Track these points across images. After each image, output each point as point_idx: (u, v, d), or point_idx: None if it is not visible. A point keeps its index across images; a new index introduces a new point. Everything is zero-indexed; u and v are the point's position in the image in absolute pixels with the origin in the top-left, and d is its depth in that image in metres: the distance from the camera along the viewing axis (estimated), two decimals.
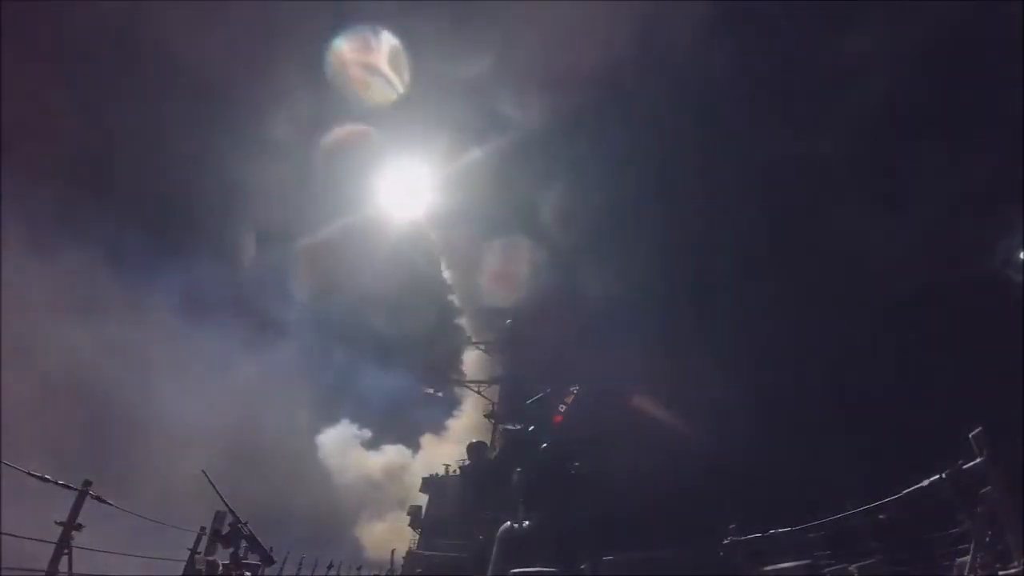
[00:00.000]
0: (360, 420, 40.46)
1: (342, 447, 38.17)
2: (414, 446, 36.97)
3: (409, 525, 22.11)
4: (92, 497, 5.86)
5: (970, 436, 4.73)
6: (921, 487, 5.39)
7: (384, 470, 35.82)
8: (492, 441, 22.44)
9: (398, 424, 40.59)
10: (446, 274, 36.78)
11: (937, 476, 5.19)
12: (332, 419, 40.28)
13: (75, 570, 5.70)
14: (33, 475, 5.47)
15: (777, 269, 33.71)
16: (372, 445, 38.73)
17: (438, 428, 35.45)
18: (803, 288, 31.91)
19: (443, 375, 30.36)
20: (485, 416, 24.82)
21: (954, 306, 25.61)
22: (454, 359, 32.68)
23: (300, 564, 14.50)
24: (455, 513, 19.95)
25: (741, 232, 35.85)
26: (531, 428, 19.52)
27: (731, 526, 9.52)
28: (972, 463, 4.76)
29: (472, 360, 28.67)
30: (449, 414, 34.59)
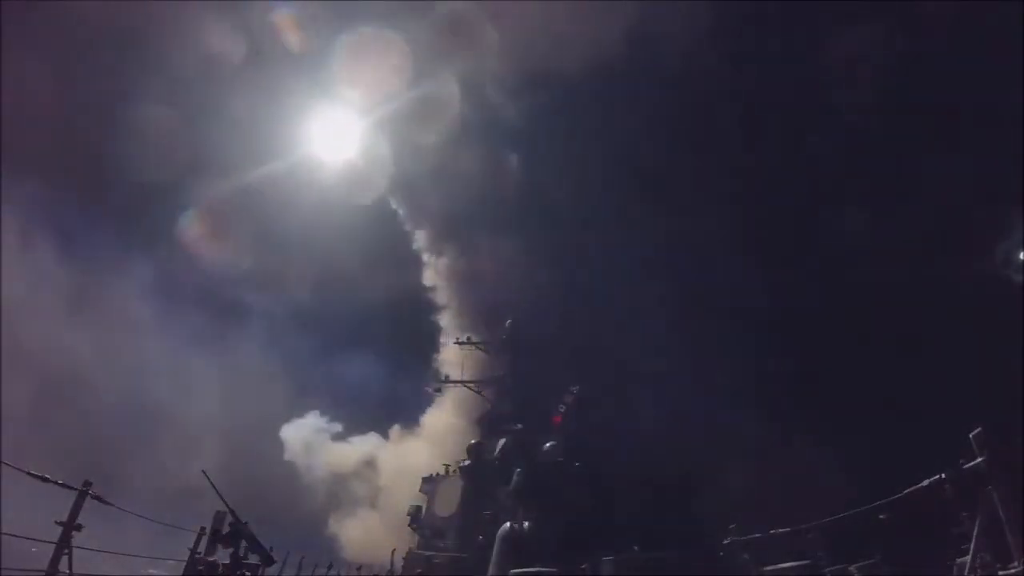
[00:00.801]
0: (329, 411, 38.65)
1: (311, 442, 36.83)
2: (385, 435, 35.90)
3: (409, 525, 22.11)
4: (92, 497, 5.86)
5: (970, 436, 4.73)
6: (921, 487, 5.39)
7: (355, 465, 34.65)
8: (479, 439, 22.34)
9: (368, 413, 38.91)
10: (427, 278, 35.99)
11: (937, 476, 5.20)
12: (300, 411, 38.58)
13: (75, 570, 5.70)
14: (33, 475, 5.48)
15: (775, 267, 33.72)
16: (341, 437, 37.35)
17: (410, 422, 34.55)
18: (802, 287, 31.91)
19: (432, 370, 30.13)
20: (482, 419, 24.71)
21: (954, 306, 25.60)
22: (432, 348, 32.35)
23: (300, 564, 14.52)
24: (455, 513, 19.94)
25: (738, 228, 35.84)
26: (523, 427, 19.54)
27: (731, 526, 9.52)
28: (972, 463, 4.75)
29: (458, 357, 28.34)
30: (422, 409, 33.85)
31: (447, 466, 23.35)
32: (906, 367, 25.84)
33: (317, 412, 38.33)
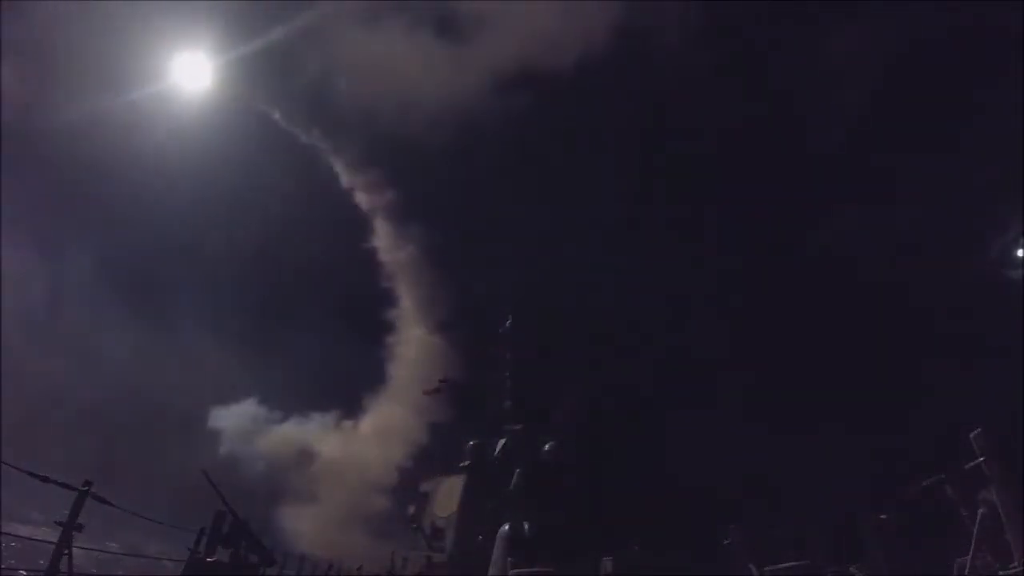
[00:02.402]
0: (264, 394, 34.85)
1: (250, 432, 33.66)
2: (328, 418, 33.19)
3: (410, 524, 22.08)
4: (93, 497, 5.86)
5: (970, 436, 4.74)
6: (922, 487, 5.40)
7: (298, 455, 31.84)
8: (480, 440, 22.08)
9: (307, 395, 35.22)
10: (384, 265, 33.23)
11: (937, 476, 5.20)
12: (232, 396, 35.03)
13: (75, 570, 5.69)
14: (33, 475, 5.48)
15: (772, 267, 33.68)
16: (279, 421, 34.31)
17: (353, 407, 32.46)
18: (800, 287, 31.90)
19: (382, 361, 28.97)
20: (488, 418, 24.49)
21: (954, 305, 25.61)
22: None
23: (300, 565, 14.53)
24: (455, 513, 19.93)
25: (731, 230, 35.80)
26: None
27: (731, 526, 9.52)
28: (972, 463, 4.76)
29: (415, 354, 27.34)
30: (365, 394, 31.82)
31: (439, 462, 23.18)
32: (907, 367, 25.85)
33: (254, 400, 34.61)
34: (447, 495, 21.40)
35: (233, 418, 33.00)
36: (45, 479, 5.50)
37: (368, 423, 31.04)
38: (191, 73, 34.01)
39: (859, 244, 31.92)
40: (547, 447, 17.60)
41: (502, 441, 20.72)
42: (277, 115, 33.62)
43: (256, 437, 32.44)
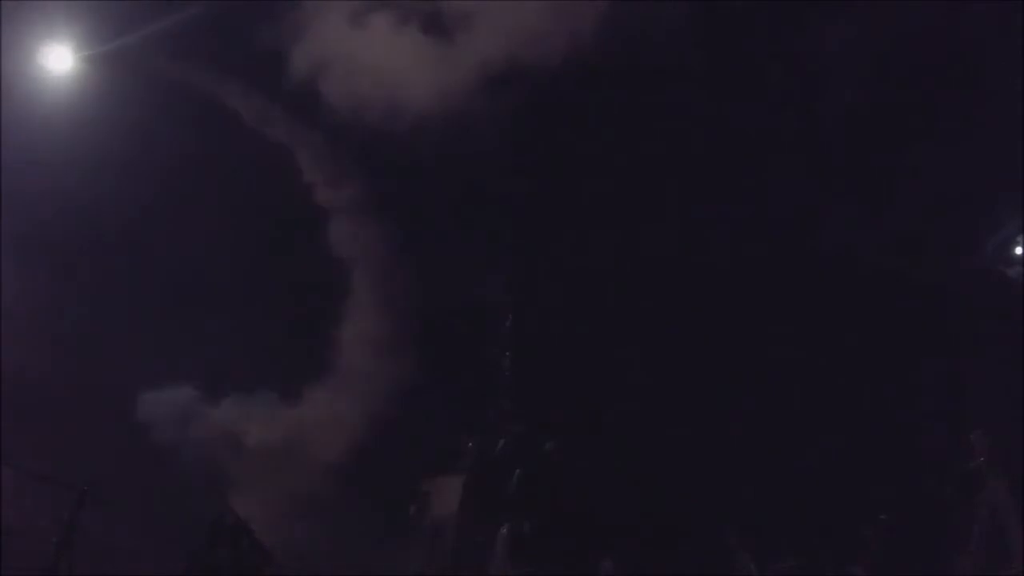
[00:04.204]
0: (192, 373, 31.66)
1: (187, 421, 31.15)
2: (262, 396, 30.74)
3: (410, 523, 22.08)
4: (93, 498, 5.85)
5: (970, 436, 4.76)
6: (922, 487, 5.41)
7: (238, 440, 29.82)
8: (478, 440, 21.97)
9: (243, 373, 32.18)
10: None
11: (937, 476, 5.22)
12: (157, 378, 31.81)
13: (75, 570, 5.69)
14: (34, 475, 5.48)
15: (766, 267, 33.37)
16: (215, 402, 31.58)
17: (289, 392, 30.53)
18: (796, 286, 31.80)
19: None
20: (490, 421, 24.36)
21: (954, 304, 25.58)
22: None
23: (299, 565, 14.51)
24: (455, 513, 19.95)
25: (724, 232, 35.56)
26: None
27: (731, 526, 9.52)
28: (972, 463, 4.78)
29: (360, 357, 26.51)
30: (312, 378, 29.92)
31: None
32: (906, 367, 25.81)
33: (189, 383, 31.62)
34: (447, 495, 21.40)
35: (165, 402, 30.73)
36: (45, 479, 5.51)
37: (309, 412, 29.94)
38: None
39: (856, 243, 31.89)
40: (547, 447, 17.59)
41: (502, 441, 20.73)
42: (244, 113, 32.81)
43: (192, 422, 30.36)
